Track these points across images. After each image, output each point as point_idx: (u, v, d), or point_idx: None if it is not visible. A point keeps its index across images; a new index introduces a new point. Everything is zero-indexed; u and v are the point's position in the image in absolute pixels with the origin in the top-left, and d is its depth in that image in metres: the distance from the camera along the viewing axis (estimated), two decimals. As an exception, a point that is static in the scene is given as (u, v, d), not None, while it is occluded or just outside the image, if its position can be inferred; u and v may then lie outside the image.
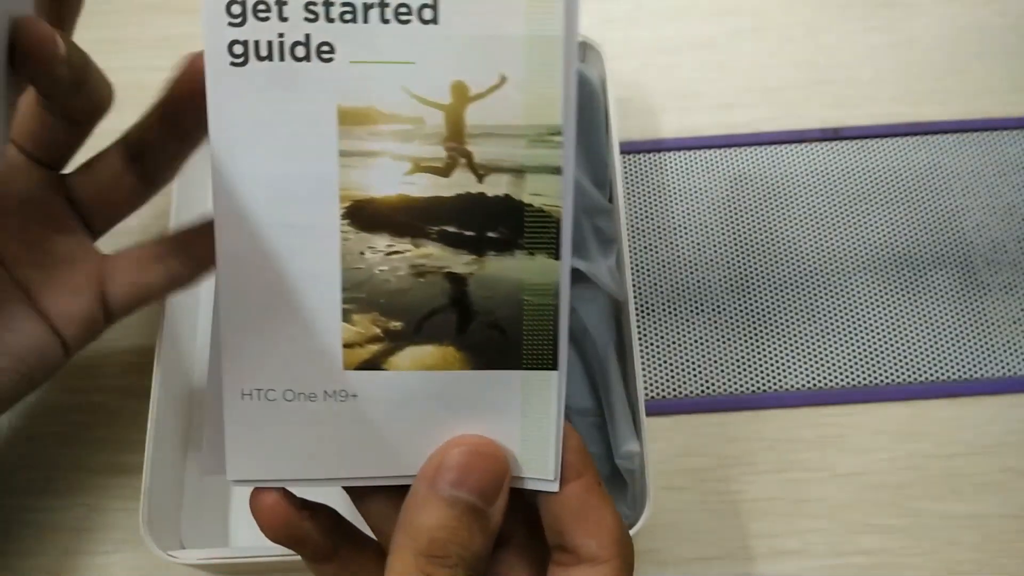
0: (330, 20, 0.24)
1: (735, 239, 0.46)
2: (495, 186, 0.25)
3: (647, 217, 0.47)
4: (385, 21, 0.24)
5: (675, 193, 0.48)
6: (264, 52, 0.24)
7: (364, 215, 0.25)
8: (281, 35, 0.24)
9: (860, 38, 0.52)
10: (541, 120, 0.25)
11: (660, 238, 0.46)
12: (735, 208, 0.47)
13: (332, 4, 0.24)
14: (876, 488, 0.41)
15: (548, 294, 0.25)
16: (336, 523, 0.27)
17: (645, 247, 0.46)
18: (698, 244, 0.46)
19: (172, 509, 0.39)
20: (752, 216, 0.47)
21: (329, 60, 0.24)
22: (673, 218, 0.47)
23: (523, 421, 0.26)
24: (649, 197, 0.47)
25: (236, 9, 0.24)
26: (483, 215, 0.25)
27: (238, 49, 0.24)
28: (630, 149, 0.48)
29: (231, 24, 0.24)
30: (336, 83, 0.24)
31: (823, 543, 0.40)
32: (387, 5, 0.24)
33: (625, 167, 0.48)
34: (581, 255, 0.41)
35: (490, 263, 0.25)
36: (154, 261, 0.32)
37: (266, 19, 0.24)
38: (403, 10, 0.24)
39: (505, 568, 0.27)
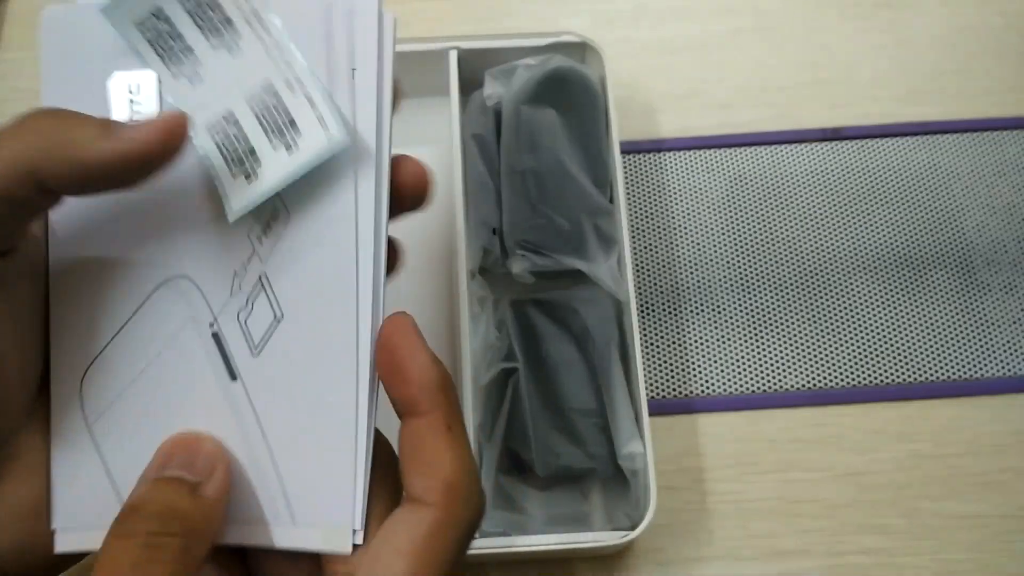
0: None
1: (735, 239, 0.46)
2: None
3: (647, 217, 0.47)
4: None
5: (675, 193, 0.48)
6: None
7: None
8: None
9: (860, 38, 0.52)
10: None
11: (660, 238, 0.46)
12: (735, 208, 0.47)
13: None
14: (875, 488, 0.41)
15: None
16: None
17: (645, 247, 0.46)
18: (698, 244, 0.46)
19: None
20: (752, 216, 0.47)
21: None
22: (673, 218, 0.47)
23: None
24: (649, 197, 0.47)
25: None
26: None
27: None
28: (630, 149, 0.48)
29: None
30: None
31: (823, 543, 0.40)
32: None
33: (625, 167, 0.48)
34: (582, 256, 0.41)
35: None
36: None
37: None
38: None
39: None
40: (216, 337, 0.30)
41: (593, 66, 0.45)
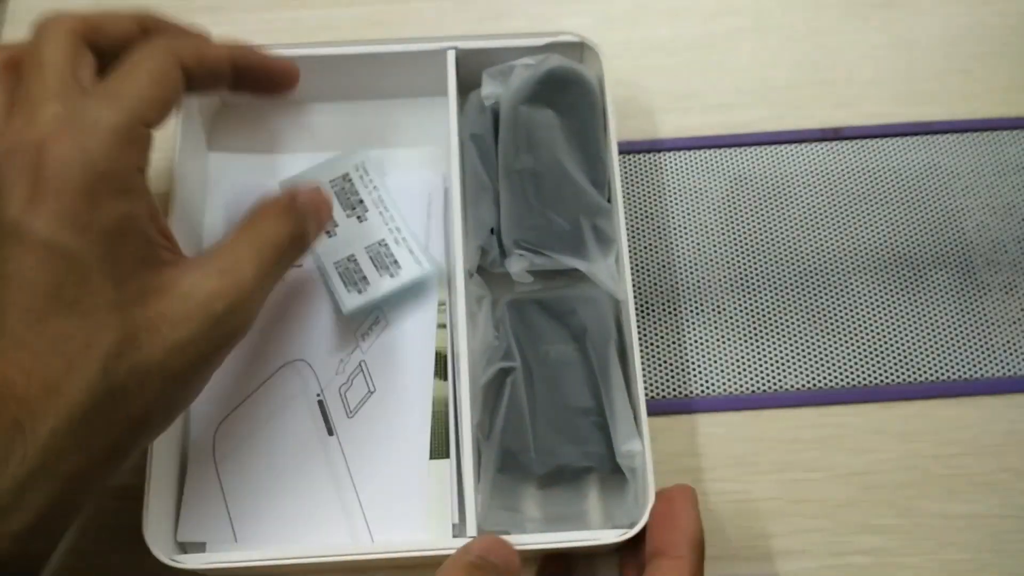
0: None
1: (735, 239, 0.46)
2: None
3: (647, 217, 0.47)
4: None
5: (675, 193, 0.48)
6: None
7: None
8: None
9: (860, 38, 0.52)
10: None
11: (660, 238, 0.46)
12: (735, 208, 0.47)
13: None
14: (876, 488, 0.41)
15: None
16: None
17: (645, 247, 0.46)
18: (698, 244, 0.46)
19: (172, 511, 0.39)
20: (752, 216, 0.47)
21: None
22: (673, 218, 0.47)
23: None
24: (649, 197, 0.47)
25: None
26: None
27: None
28: (629, 149, 0.48)
29: None
30: None
31: (823, 543, 0.40)
32: None
33: (625, 167, 0.48)
34: (580, 255, 0.41)
35: None
36: None
37: None
38: None
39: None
40: (320, 403, 0.41)
41: (591, 66, 0.45)
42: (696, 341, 0.44)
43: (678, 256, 0.46)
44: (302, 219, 0.35)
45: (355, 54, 0.45)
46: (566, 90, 0.43)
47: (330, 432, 0.40)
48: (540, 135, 0.43)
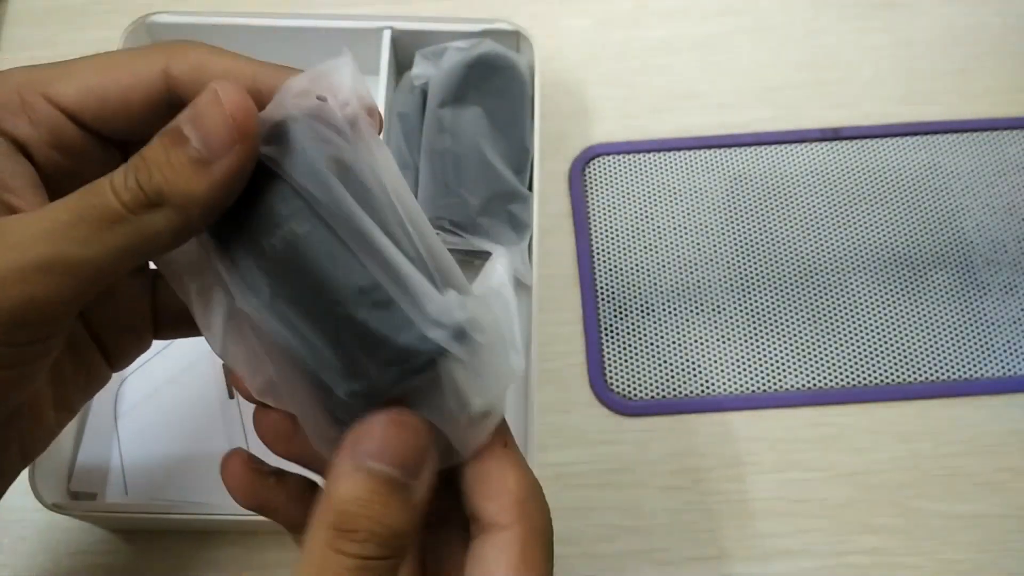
0: None
1: (735, 239, 0.46)
2: None
3: (647, 217, 0.47)
4: None
5: (675, 193, 0.48)
6: None
7: None
8: None
9: (860, 38, 0.52)
10: None
11: (660, 238, 0.46)
12: (735, 208, 0.47)
13: None
14: (876, 488, 0.41)
15: None
16: (308, 489, 0.26)
17: (645, 247, 0.46)
18: (698, 244, 0.46)
19: (68, 461, 0.40)
20: (752, 216, 0.47)
21: None
22: (673, 218, 0.47)
23: None
24: (649, 197, 0.47)
25: None
26: None
27: None
28: (630, 149, 0.48)
29: None
30: None
31: (823, 543, 0.40)
32: None
33: (625, 167, 0.48)
34: (493, 238, 0.41)
35: None
36: None
37: None
38: None
39: (445, 546, 0.26)
40: (225, 367, 0.40)
41: (524, 55, 0.45)
42: (696, 341, 0.44)
43: (678, 256, 0.46)
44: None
45: (289, 27, 0.45)
46: (496, 76, 0.43)
47: (231, 395, 0.41)
48: (464, 118, 0.43)
